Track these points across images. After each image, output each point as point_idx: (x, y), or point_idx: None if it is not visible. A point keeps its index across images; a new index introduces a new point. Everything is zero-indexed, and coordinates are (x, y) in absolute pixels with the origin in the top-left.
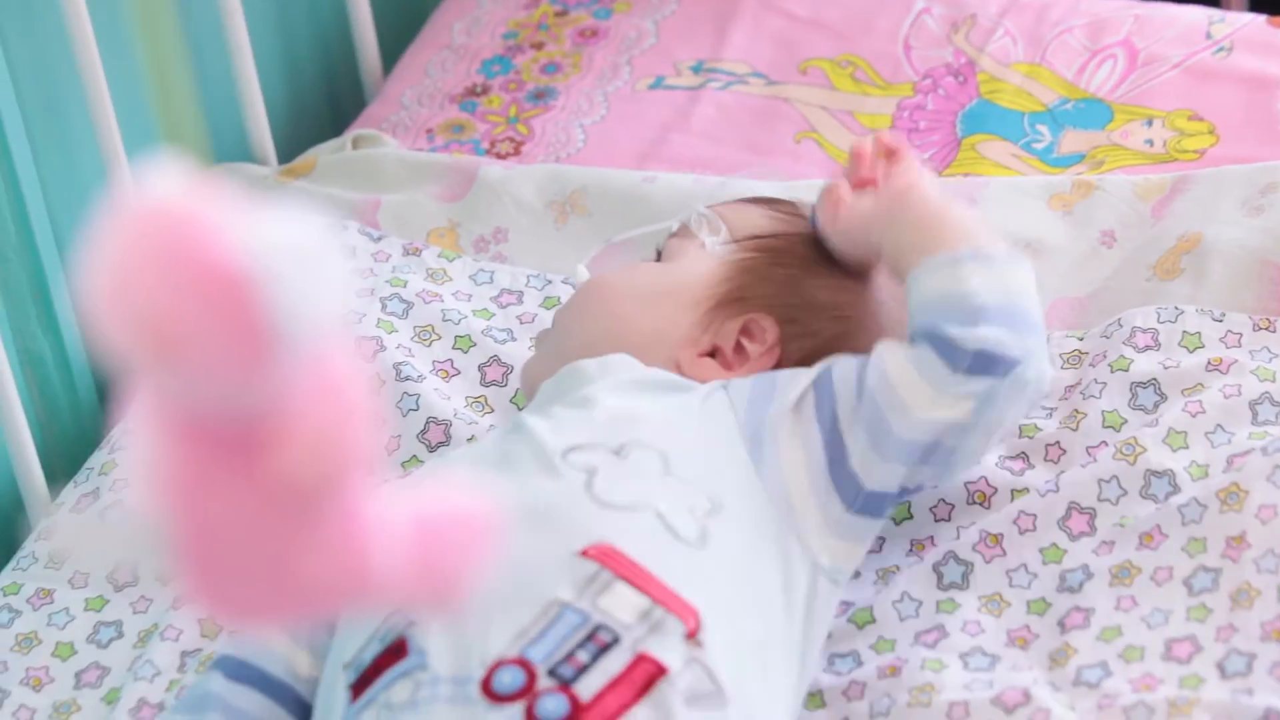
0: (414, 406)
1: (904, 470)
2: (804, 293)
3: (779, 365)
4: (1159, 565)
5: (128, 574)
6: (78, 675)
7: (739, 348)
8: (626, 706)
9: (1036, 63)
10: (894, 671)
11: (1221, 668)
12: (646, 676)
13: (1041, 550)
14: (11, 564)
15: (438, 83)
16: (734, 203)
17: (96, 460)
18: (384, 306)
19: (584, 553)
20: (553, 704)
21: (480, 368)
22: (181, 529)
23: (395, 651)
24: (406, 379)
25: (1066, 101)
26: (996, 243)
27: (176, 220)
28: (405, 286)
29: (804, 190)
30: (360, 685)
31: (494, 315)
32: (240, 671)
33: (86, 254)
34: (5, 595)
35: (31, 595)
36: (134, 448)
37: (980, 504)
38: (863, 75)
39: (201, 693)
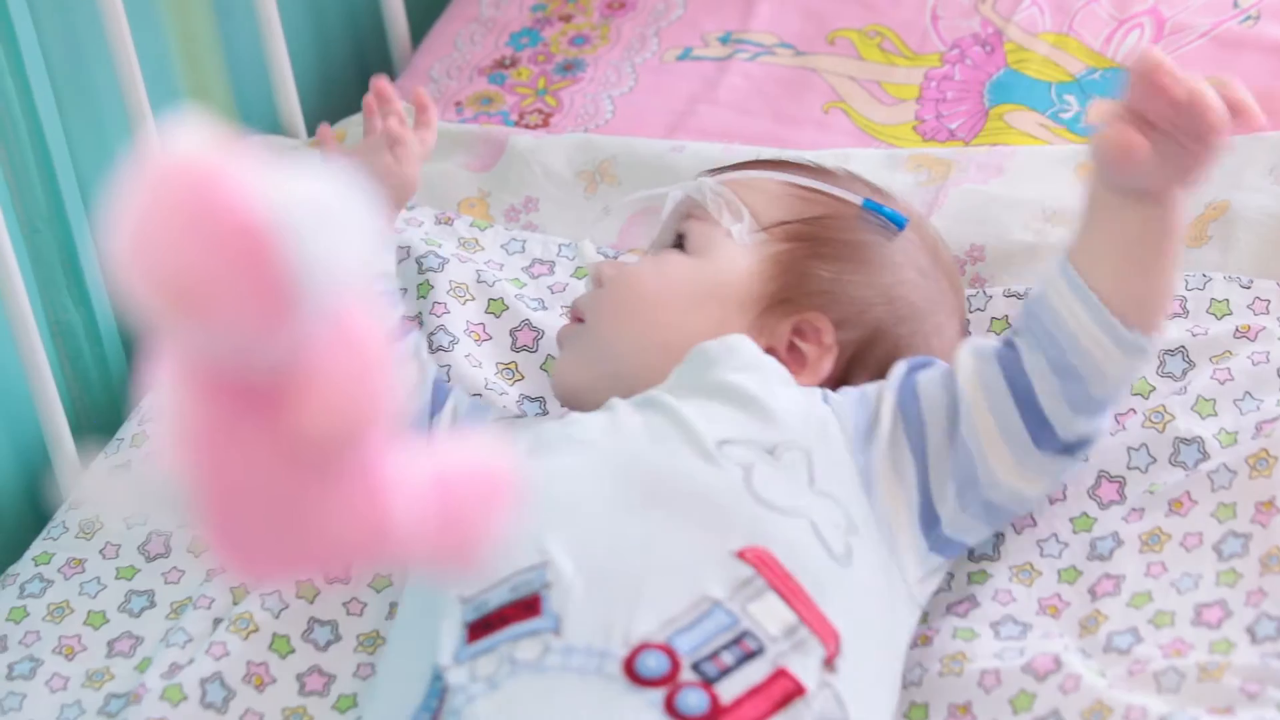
0: (445, 378)
1: (980, 526)
2: (849, 287)
3: (836, 363)
4: (1189, 531)
5: (160, 545)
6: (110, 644)
7: (792, 348)
8: (763, 717)
9: (1064, 32)
10: (926, 641)
11: (1252, 632)
12: (784, 693)
13: (1072, 519)
14: (43, 534)
15: (466, 55)
16: (742, 171)
17: (127, 431)
18: (420, 265)
19: (741, 554)
20: (694, 699)
21: (512, 332)
22: (204, 484)
23: (527, 607)
24: (439, 349)
25: (1094, 71)
26: (1161, 318)
27: (200, 175)
28: (440, 246)
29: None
30: (479, 627)
31: (526, 285)
32: None
33: (111, 209)
34: (37, 565)
35: (63, 565)
36: (158, 403)
37: None
38: (890, 45)
39: None
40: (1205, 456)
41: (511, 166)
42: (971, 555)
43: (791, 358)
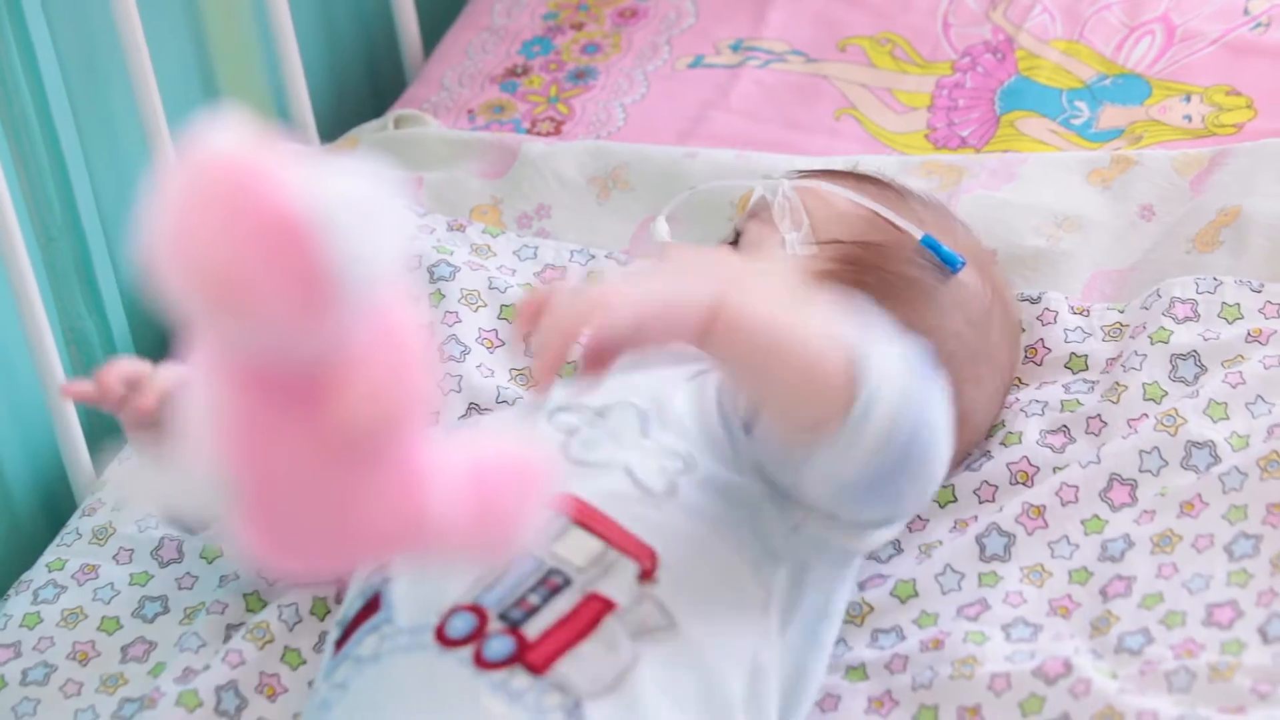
0: (456, 389)
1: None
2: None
3: None
4: (1200, 533)
5: (173, 550)
6: (124, 649)
7: None
8: (572, 642)
9: (1075, 39)
10: (937, 645)
11: (1263, 632)
12: (594, 613)
13: (1083, 521)
14: (57, 540)
15: (478, 63)
16: (821, 178)
17: (155, 458)
18: (431, 275)
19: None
20: (499, 645)
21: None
22: (241, 476)
23: (371, 607)
24: (450, 359)
25: (1105, 77)
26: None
27: (238, 170)
28: (452, 255)
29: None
30: (341, 641)
31: None
32: None
33: (147, 206)
34: (51, 571)
35: (77, 571)
36: (193, 397)
37: (1023, 483)
38: (902, 53)
39: None
40: (1217, 460)
41: (524, 173)
42: (982, 555)
43: None
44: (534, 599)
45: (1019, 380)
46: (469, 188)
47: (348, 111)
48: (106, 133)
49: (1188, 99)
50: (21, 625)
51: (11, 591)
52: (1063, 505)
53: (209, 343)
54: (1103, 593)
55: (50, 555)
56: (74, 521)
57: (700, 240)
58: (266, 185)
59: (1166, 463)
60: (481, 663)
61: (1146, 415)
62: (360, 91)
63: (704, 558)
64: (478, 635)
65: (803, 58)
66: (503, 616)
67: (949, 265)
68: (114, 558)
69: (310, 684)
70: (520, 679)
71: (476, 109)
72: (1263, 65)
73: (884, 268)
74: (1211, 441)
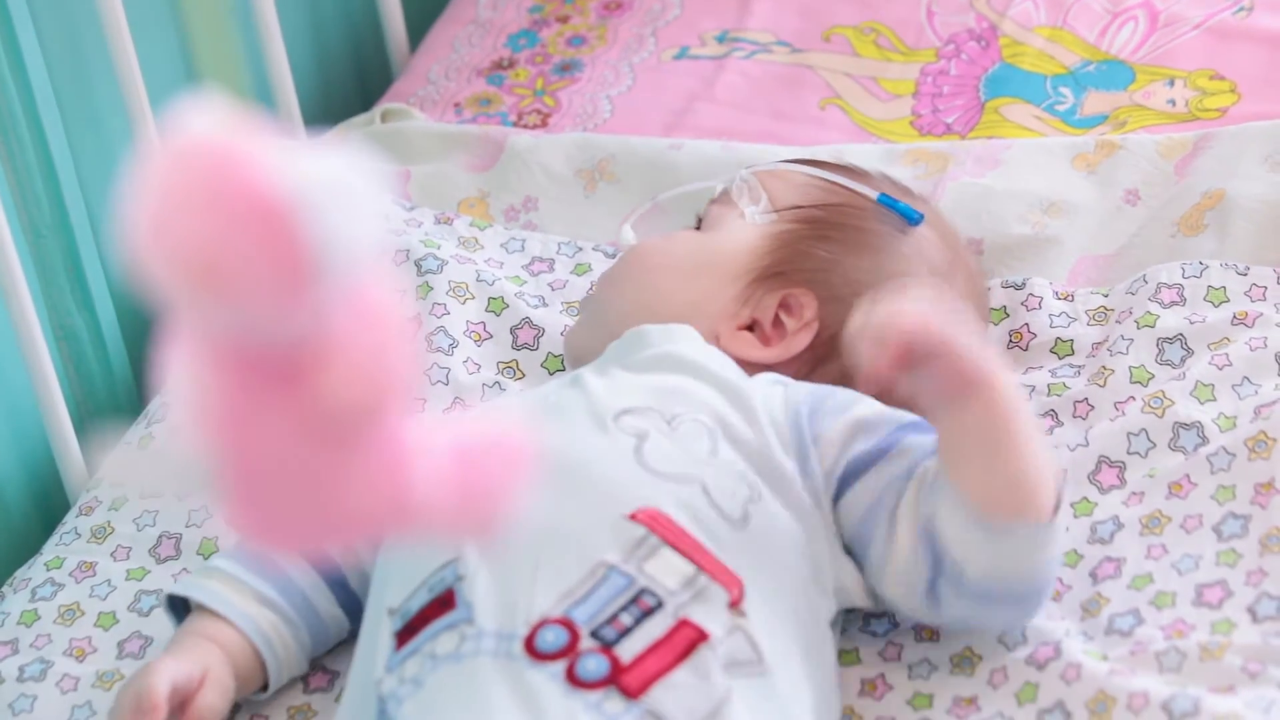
0: (443, 380)
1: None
2: (844, 270)
3: (817, 340)
4: (1188, 513)
5: (170, 547)
6: (120, 645)
7: (777, 322)
8: (666, 669)
9: (1058, 26)
10: (931, 636)
11: (1253, 611)
12: (688, 641)
13: (1072, 505)
14: (54, 539)
15: (464, 57)
16: (781, 165)
17: (134, 434)
18: (419, 268)
19: (632, 516)
20: (593, 664)
21: (512, 330)
22: (227, 457)
23: (443, 603)
24: (438, 350)
25: (1089, 64)
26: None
27: (218, 153)
28: (439, 248)
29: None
30: (406, 634)
31: (525, 282)
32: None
33: (129, 190)
34: (48, 569)
35: (74, 569)
36: (178, 379)
37: None
38: (886, 42)
39: (246, 551)
40: (1204, 441)
41: (511, 166)
42: None
43: (775, 332)
44: (626, 619)
45: None
46: (456, 181)
47: (334, 106)
48: (94, 130)
49: (1171, 84)
50: (19, 622)
51: (9, 589)
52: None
53: (191, 325)
54: (1092, 575)
55: (49, 553)
56: (72, 520)
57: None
58: (245, 168)
59: (1154, 444)
60: (574, 681)
61: (1133, 398)
62: (347, 86)
63: (779, 594)
64: (569, 651)
65: (788, 48)
66: (594, 634)
67: (907, 218)
68: (111, 555)
69: (304, 676)
70: (615, 702)
71: (463, 102)
72: (1246, 49)
73: (844, 223)
74: (1199, 423)
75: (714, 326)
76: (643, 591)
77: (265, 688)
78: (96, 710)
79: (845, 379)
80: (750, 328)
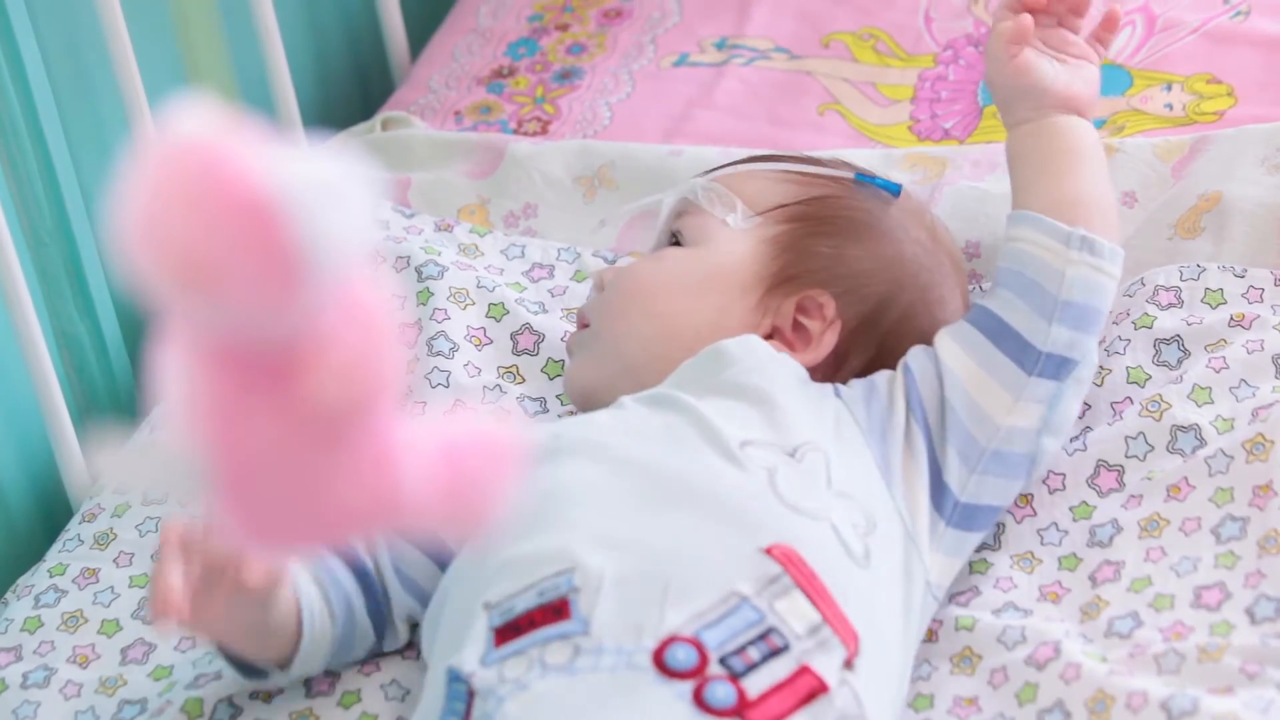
0: (444, 383)
1: (999, 482)
2: (850, 262)
3: (840, 335)
4: (1187, 516)
5: None
6: (123, 651)
7: (797, 325)
8: (788, 713)
9: None
10: (931, 637)
11: (1251, 613)
12: (809, 689)
13: (1071, 508)
14: (57, 545)
15: (465, 66)
16: (730, 169)
17: (135, 440)
18: (420, 274)
19: (769, 550)
20: (723, 692)
21: (513, 335)
22: (216, 456)
23: (555, 611)
24: (439, 354)
25: None
26: (1108, 228)
27: (206, 154)
28: (440, 255)
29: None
30: (507, 631)
31: (526, 288)
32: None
33: (118, 191)
34: (52, 576)
35: (77, 575)
36: (170, 377)
37: None
38: (884, 48)
39: None
40: (1202, 443)
41: (510, 173)
42: None
43: (796, 335)
44: (754, 653)
45: None
46: (456, 188)
47: (335, 115)
48: (95, 137)
49: (1169, 88)
50: (22, 629)
51: (12, 596)
52: (1050, 493)
53: (181, 323)
54: (1092, 578)
55: (52, 560)
56: (75, 527)
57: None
58: (233, 168)
59: (1152, 448)
60: (702, 704)
61: (1130, 400)
62: (348, 95)
63: (890, 644)
64: (699, 672)
65: (786, 54)
66: (723, 661)
67: (889, 191)
68: (114, 561)
69: (307, 681)
70: None
71: (463, 110)
72: (1243, 53)
73: (833, 214)
74: (1197, 425)
75: None
76: (771, 630)
77: (285, 666)
78: (100, 716)
79: (869, 368)
80: (769, 335)
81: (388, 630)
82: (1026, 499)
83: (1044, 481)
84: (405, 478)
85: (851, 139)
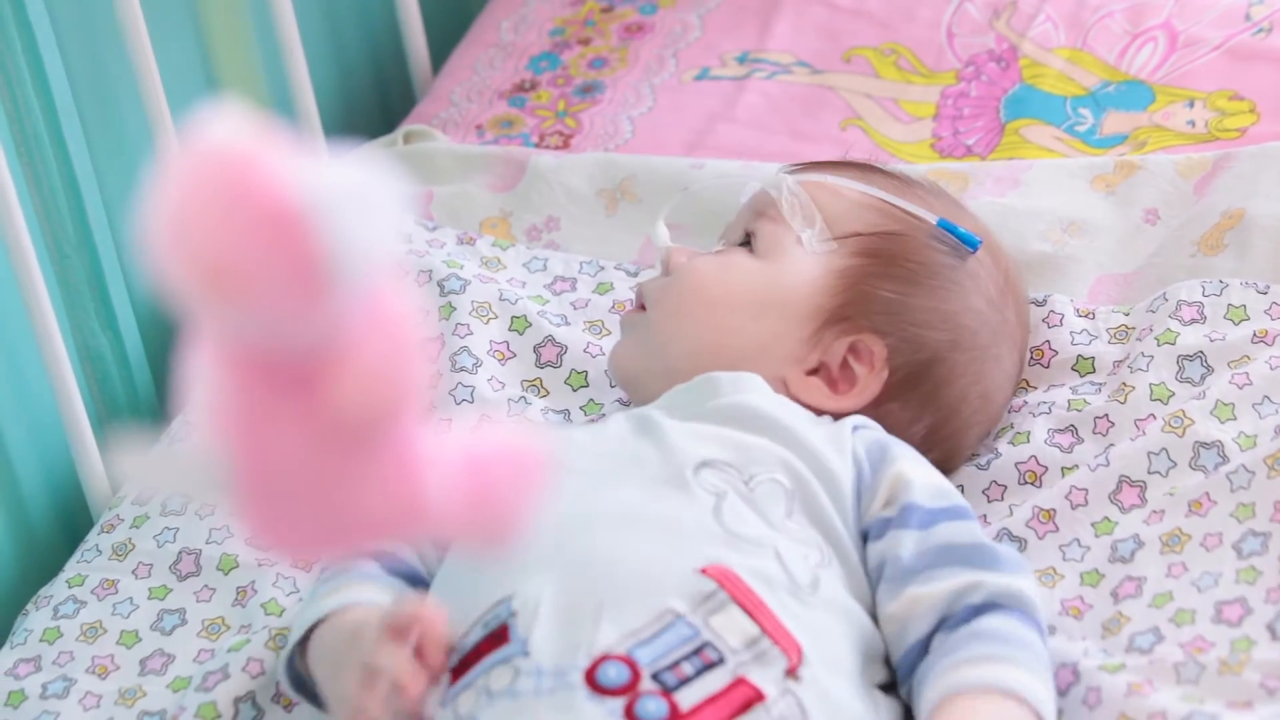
0: (469, 399)
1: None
2: (911, 314)
3: (886, 384)
4: (1208, 531)
5: (191, 564)
6: (142, 662)
7: (845, 366)
8: None
9: (1078, 47)
10: None
11: (1272, 629)
12: (744, 699)
13: (1093, 524)
14: (76, 556)
15: (486, 79)
16: (826, 173)
17: (160, 447)
18: (442, 289)
19: (704, 570)
20: (653, 706)
21: (535, 348)
22: (240, 462)
23: (496, 638)
24: (462, 369)
25: (1108, 84)
26: None
27: (235, 160)
28: (462, 268)
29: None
30: (460, 669)
31: (548, 301)
32: (397, 567)
33: (145, 196)
34: (71, 587)
35: (96, 586)
36: (196, 384)
37: (1031, 483)
38: (906, 63)
39: (358, 572)
40: (1225, 460)
41: (533, 186)
42: None
43: (842, 376)
44: (687, 668)
45: (1026, 383)
46: (478, 201)
47: (357, 128)
48: (118, 151)
49: (1191, 104)
50: (42, 640)
51: (32, 606)
52: (1073, 508)
53: (208, 330)
54: (1114, 594)
55: (70, 571)
56: (93, 538)
57: (703, 243)
58: (262, 175)
59: (1175, 464)
60: (633, 719)
61: (1154, 416)
62: (370, 108)
63: (837, 661)
64: (629, 689)
65: (808, 69)
66: (655, 677)
67: (968, 245)
68: (133, 572)
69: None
70: None
71: (485, 124)
72: (1265, 70)
73: (908, 258)
74: (1219, 442)
75: (780, 370)
76: (706, 644)
77: None
78: None
79: (902, 415)
80: (815, 370)
81: None
82: (1049, 514)
83: (1066, 497)
84: (429, 486)
85: (873, 155)
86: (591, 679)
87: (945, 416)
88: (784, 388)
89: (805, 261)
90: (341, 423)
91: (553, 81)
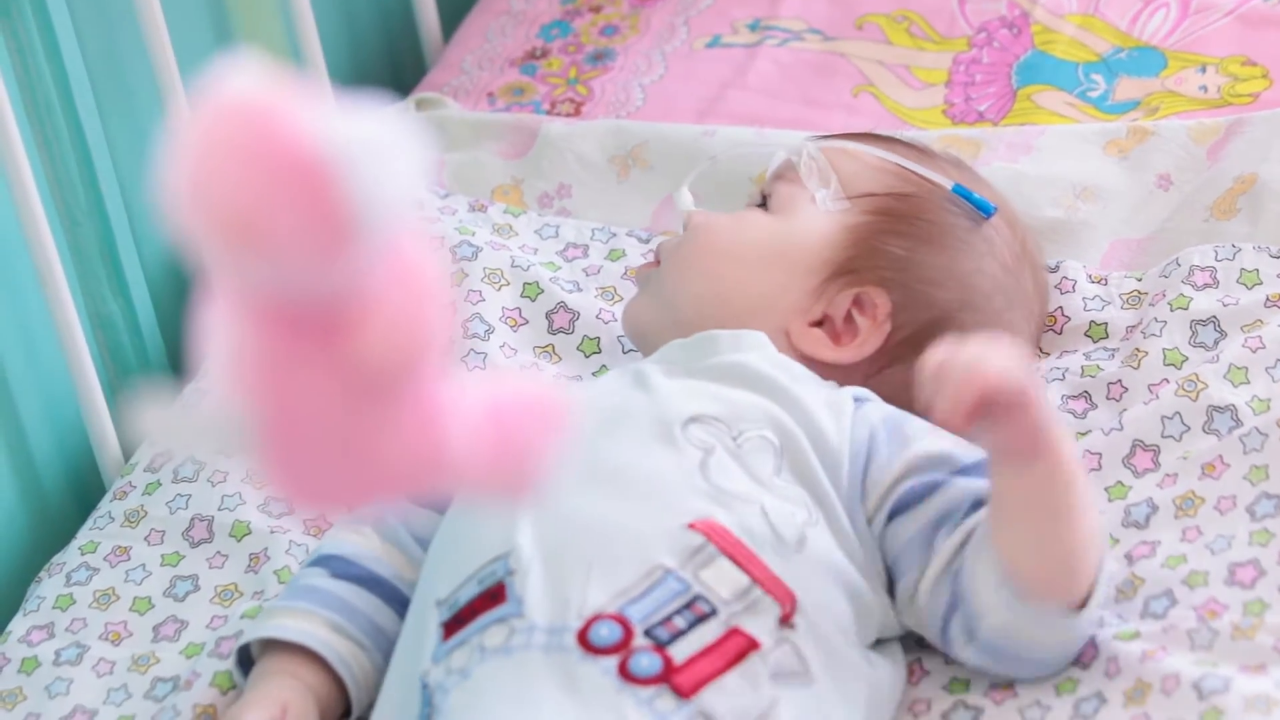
0: (480, 365)
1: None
2: (920, 270)
3: (887, 341)
4: (1222, 494)
5: (203, 530)
6: (155, 629)
7: (849, 319)
8: (718, 673)
9: (1090, 13)
10: None
11: None
12: (738, 648)
13: (1107, 489)
14: (88, 523)
15: (497, 47)
16: (848, 141)
17: (178, 403)
18: (454, 255)
19: (692, 525)
20: (647, 661)
21: (548, 315)
22: (262, 414)
23: (492, 596)
24: (475, 336)
25: (1120, 50)
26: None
27: (256, 112)
28: (474, 235)
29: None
30: (453, 625)
31: (560, 268)
32: (347, 570)
33: (164, 148)
34: (83, 554)
35: (109, 553)
36: (215, 338)
37: None
38: (918, 30)
39: (306, 585)
40: (1238, 424)
41: (544, 153)
42: None
43: (846, 329)
44: (679, 622)
45: (1040, 349)
46: (490, 168)
47: (369, 97)
48: (129, 118)
49: (1203, 70)
50: (55, 606)
51: (44, 574)
52: (1087, 473)
53: (229, 283)
54: (1128, 557)
55: (83, 538)
56: (105, 505)
57: (724, 209)
58: (284, 126)
59: (1188, 428)
60: (627, 676)
61: (1167, 380)
62: (381, 77)
63: (829, 612)
64: (623, 647)
65: (820, 36)
66: (648, 633)
67: (982, 211)
68: (145, 539)
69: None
70: (666, 700)
71: (496, 92)
72: (1277, 35)
73: (919, 216)
74: (1233, 405)
75: (784, 321)
76: (697, 598)
77: (347, 714)
78: (132, 693)
79: (910, 379)
80: (819, 322)
81: None
82: None
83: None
84: (450, 436)
85: (885, 122)
86: (584, 639)
87: None
88: (786, 339)
89: (817, 218)
90: (363, 373)
91: (564, 49)
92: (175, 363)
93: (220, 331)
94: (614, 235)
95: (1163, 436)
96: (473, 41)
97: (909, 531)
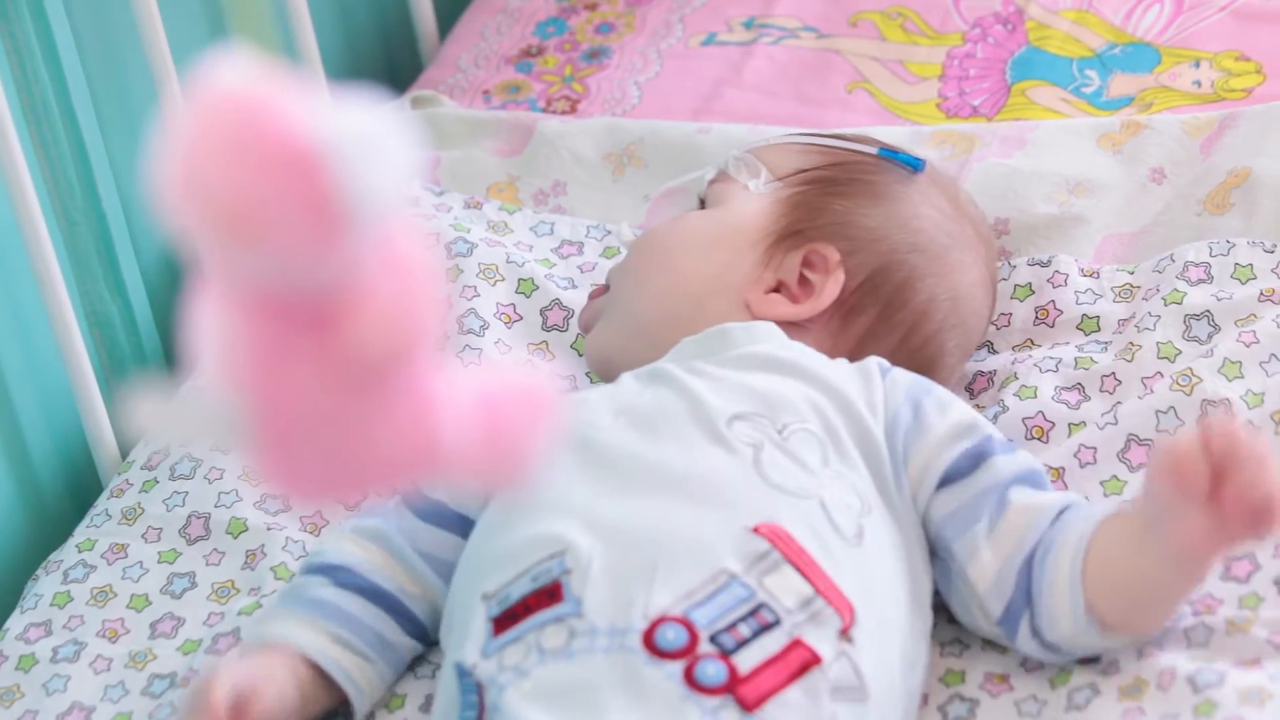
0: (476, 362)
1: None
2: (861, 219)
3: (844, 291)
4: None
5: (200, 527)
6: (152, 625)
7: (803, 280)
8: (781, 686)
9: (1084, 9)
10: None
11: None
12: (801, 662)
13: (1102, 483)
14: (85, 521)
15: (493, 45)
16: (773, 143)
17: (175, 395)
18: (449, 251)
19: (756, 529)
20: (713, 669)
21: (542, 312)
22: (255, 405)
23: (549, 595)
24: (469, 332)
25: (1114, 46)
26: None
27: (249, 102)
28: (469, 232)
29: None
30: (505, 620)
31: (555, 265)
32: (349, 580)
33: (157, 141)
34: (80, 551)
35: (106, 550)
36: (207, 329)
37: (1039, 439)
38: (912, 26)
39: (308, 597)
40: (1232, 418)
41: (540, 151)
42: None
43: (802, 290)
44: (744, 629)
45: (1030, 341)
46: (485, 166)
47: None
48: (125, 117)
49: (1197, 65)
50: (52, 604)
51: (42, 571)
52: (1081, 467)
53: (221, 274)
54: None
55: (80, 536)
56: (102, 503)
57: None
58: (276, 117)
59: (1183, 422)
60: (693, 683)
61: (1161, 374)
62: (377, 75)
63: (885, 619)
64: (689, 652)
65: (814, 33)
66: (713, 639)
67: (911, 166)
68: (142, 536)
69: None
70: (730, 712)
71: (492, 89)
72: (1271, 30)
73: (852, 177)
74: (1227, 400)
75: (742, 295)
76: (761, 606)
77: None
78: (129, 690)
79: (876, 328)
80: (776, 289)
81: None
82: (1057, 473)
83: (1075, 455)
84: (444, 427)
85: (880, 117)
86: (650, 642)
87: (917, 320)
88: (748, 311)
89: (753, 199)
90: (356, 364)
91: (560, 47)
92: (171, 361)
93: (213, 324)
94: (609, 233)
95: (1157, 430)
96: (468, 39)
97: (954, 504)
